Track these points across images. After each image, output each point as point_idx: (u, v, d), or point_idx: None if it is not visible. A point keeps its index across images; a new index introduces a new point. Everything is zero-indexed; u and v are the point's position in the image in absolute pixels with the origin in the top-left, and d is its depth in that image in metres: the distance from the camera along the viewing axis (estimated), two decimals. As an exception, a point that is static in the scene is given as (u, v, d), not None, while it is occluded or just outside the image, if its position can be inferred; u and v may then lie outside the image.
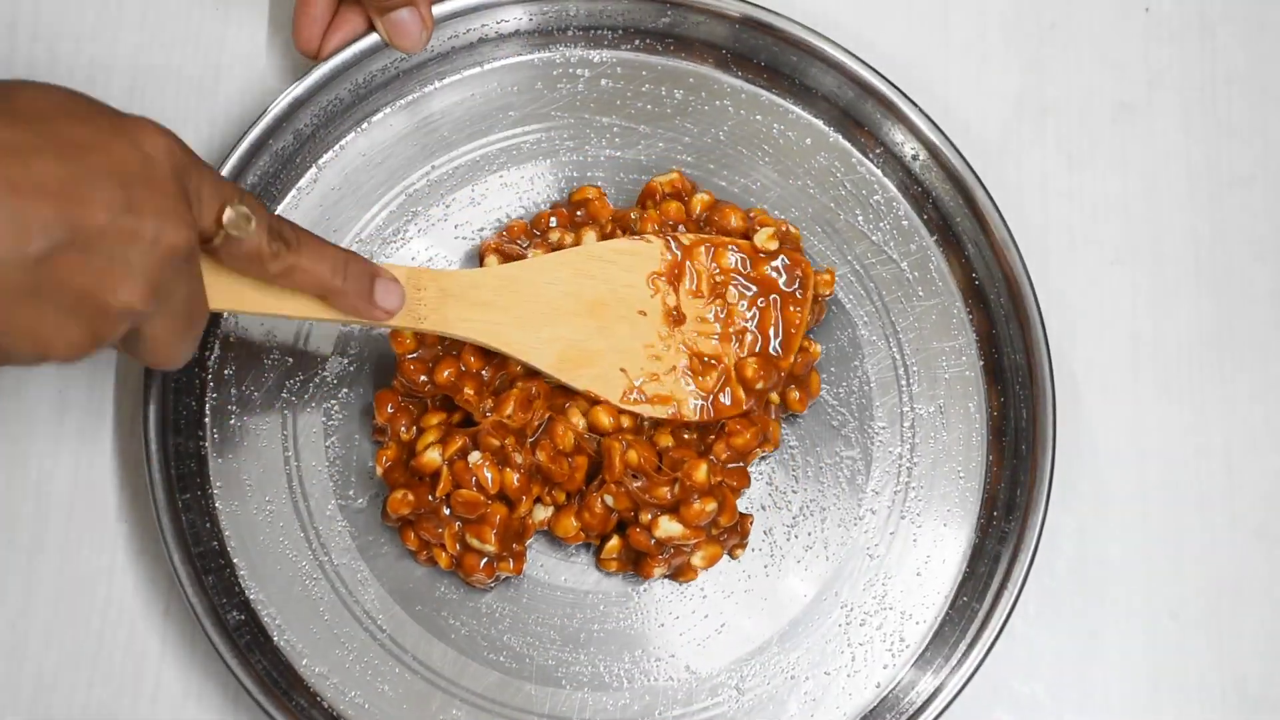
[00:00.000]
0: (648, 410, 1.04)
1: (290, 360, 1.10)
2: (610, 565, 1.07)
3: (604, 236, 1.08)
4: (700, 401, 1.05)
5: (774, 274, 1.06)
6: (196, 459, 1.07)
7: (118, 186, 0.78)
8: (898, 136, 1.14)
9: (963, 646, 1.06)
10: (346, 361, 1.10)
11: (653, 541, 1.03)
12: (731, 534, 1.06)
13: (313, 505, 1.08)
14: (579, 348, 1.03)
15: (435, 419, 1.05)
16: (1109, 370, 1.16)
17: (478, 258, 1.11)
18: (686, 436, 1.06)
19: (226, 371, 1.09)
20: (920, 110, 1.12)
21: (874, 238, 1.14)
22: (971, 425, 1.11)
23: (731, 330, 1.05)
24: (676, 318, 1.04)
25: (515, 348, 1.02)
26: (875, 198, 1.14)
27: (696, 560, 1.06)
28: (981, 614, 1.06)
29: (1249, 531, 1.14)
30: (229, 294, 0.91)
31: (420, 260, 1.12)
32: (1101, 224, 1.19)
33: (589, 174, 1.14)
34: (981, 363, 1.12)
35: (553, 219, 1.10)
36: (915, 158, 1.13)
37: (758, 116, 1.16)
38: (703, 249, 1.05)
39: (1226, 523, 1.14)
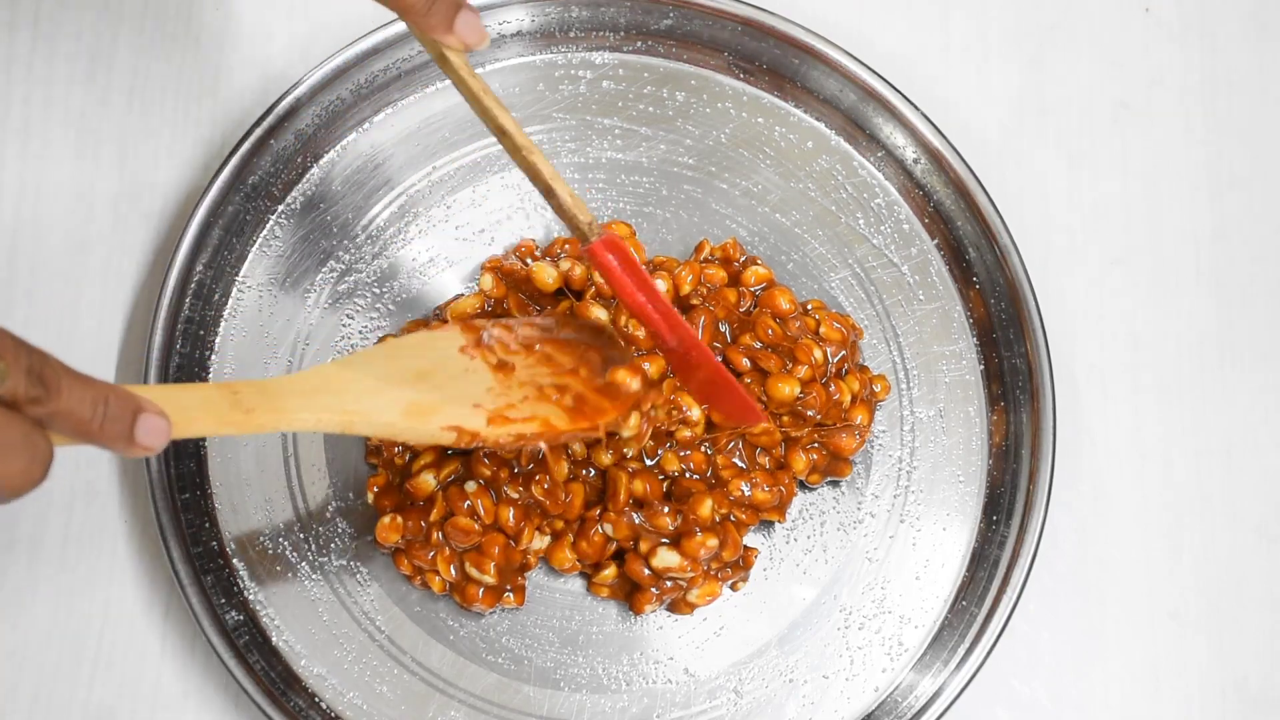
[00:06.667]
0: (519, 427, 0.97)
1: (290, 361, 1.10)
2: (601, 591, 1.07)
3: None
4: (564, 415, 0.99)
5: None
6: (196, 459, 1.08)
7: None
8: (899, 140, 1.14)
9: (961, 650, 1.06)
10: (346, 362, 1.11)
11: (647, 572, 1.04)
12: (735, 569, 1.06)
13: (312, 505, 1.08)
14: (423, 402, 0.97)
15: None
16: (1109, 370, 1.16)
17: (479, 270, 1.12)
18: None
19: (227, 371, 1.10)
20: (922, 114, 1.13)
21: (875, 241, 1.14)
22: (971, 429, 1.11)
23: (567, 370, 1.01)
24: (505, 367, 1.00)
25: (360, 414, 0.93)
26: (876, 201, 1.14)
27: (693, 596, 1.06)
28: (980, 619, 1.06)
29: (1249, 531, 1.14)
30: None
31: (421, 261, 1.12)
32: (1101, 224, 1.19)
33: (590, 175, 1.14)
34: (981, 367, 1.12)
35: (565, 246, 1.10)
36: (916, 161, 1.14)
37: (759, 119, 1.15)
38: (499, 327, 1.02)
39: (1226, 522, 1.14)
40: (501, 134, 0.94)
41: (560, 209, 0.94)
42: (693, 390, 1.02)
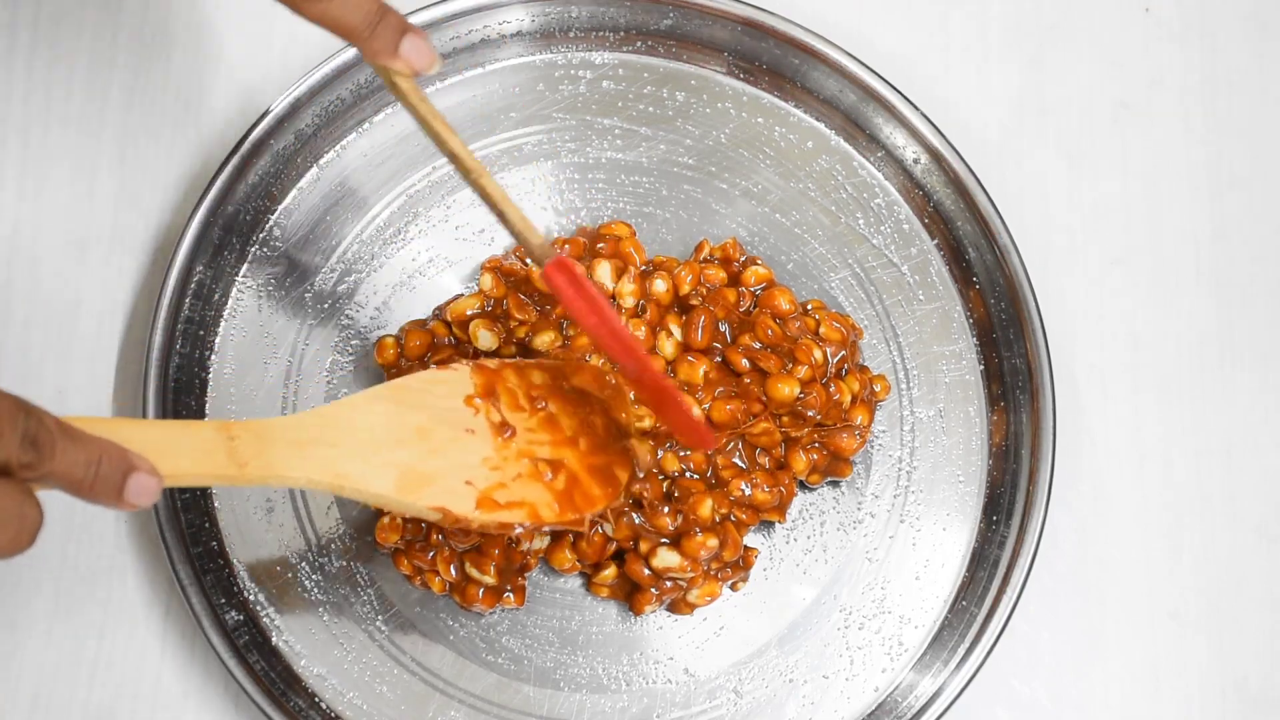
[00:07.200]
0: (505, 516, 0.98)
1: (290, 361, 1.10)
2: (601, 591, 1.07)
3: (616, 274, 1.07)
4: (554, 502, 1.00)
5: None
6: (196, 459, 1.08)
7: None
8: (899, 140, 1.14)
9: (961, 650, 1.06)
10: (346, 361, 1.10)
11: (647, 573, 1.04)
12: (735, 569, 1.06)
13: (312, 506, 1.08)
14: (416, 471, 0.96)
15: None
16: (1109, 371, 1.16)
17: (479, 270, 1.11)
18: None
19: (227, 371, 1.10)
20: (921, 114, 1.13)
21: (875, 241, 1.14)
22: (971, 429, 1.11)
23: (566, 440, 1.02)
24: (505, 429, 1.00)
25: (351, 479, 0.93)
26: (876, 201, 1.14)
27: (693, 596, 1.06)
28: (980, 619, 1.06)
29: (1249, 531, 1.14)
30: None
31: (420, 261, 1.12)
32: (1101, 224, 1.19)
33: (590, 175, 1.14)
34: (981, 367, 1.12)
35: (565, 247, 1.10)
36: (916, 161, 1.14)
37: (759, 119, 1.15)
38: (510, 371, 1.02)
39: (1226, 522, 1.14)
40: (453, 158, 0.94)
41: (511, 232, 0.94)
42: (647, 404, 1.02)
